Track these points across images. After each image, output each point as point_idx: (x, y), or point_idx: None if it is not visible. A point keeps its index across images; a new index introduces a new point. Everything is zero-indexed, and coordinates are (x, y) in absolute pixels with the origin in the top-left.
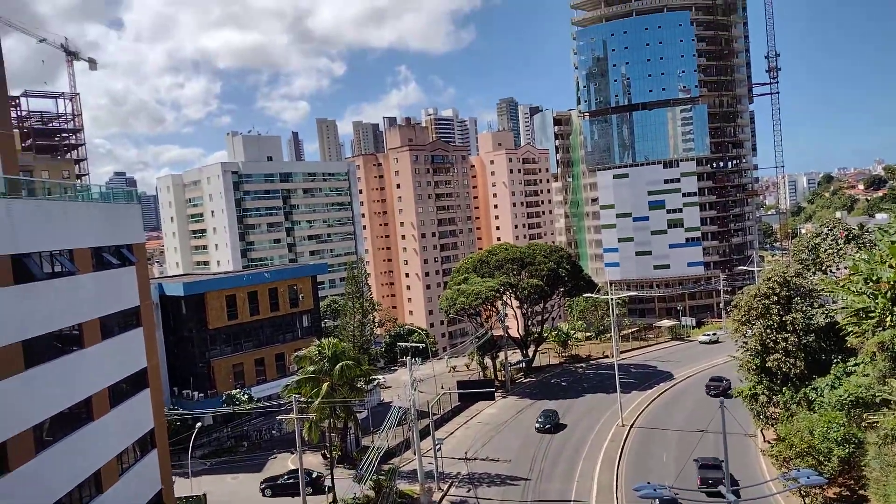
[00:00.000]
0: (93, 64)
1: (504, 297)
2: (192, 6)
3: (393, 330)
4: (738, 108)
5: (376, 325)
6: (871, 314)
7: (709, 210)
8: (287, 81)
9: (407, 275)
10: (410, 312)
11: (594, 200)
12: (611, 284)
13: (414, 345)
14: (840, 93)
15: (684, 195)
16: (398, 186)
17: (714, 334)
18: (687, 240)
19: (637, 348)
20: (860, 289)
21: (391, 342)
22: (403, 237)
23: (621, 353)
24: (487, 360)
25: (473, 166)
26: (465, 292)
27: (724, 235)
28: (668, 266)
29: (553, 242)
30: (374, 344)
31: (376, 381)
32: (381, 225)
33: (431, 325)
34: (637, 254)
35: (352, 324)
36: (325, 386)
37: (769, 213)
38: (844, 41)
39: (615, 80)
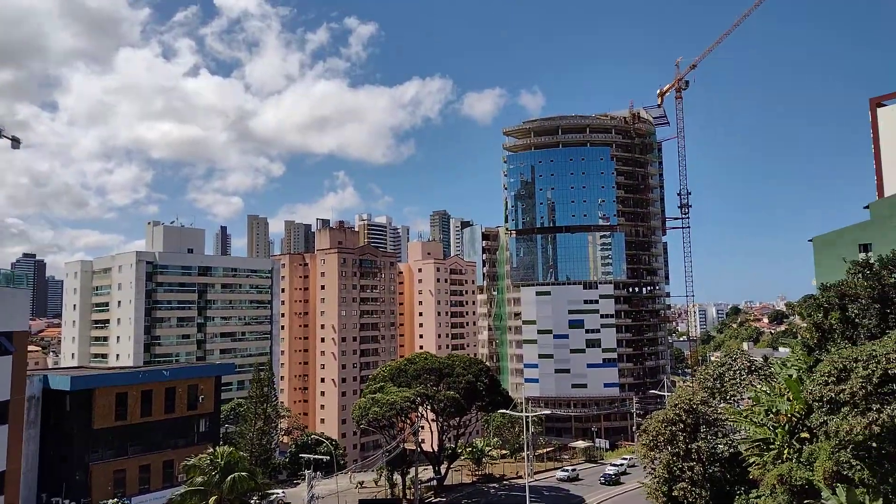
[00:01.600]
0: (16, 142)
1: (420, 409)
2: (135, 97)
3: (300, 439)
4: (652, 239)
5: (283, 433)
6: (771, 446)
7: (625, 332)
8: (222, 176)
9: (322, 380)
10: (322, 421)
11: (517, 315)
12: (528, 401)
13: (317, 457)
14: (747, 231)
15: (602, 316)
16: (322, 288)
17: (621, 465)
18: (604, 360)
19: (551, 469)
20: (761, 420)
21: (296, 452)
22: (323, 340)
23: (535, 473)
24: (397, 477)
25: (402, 273)
26: (380, 402)
27: (638, 358)
28: (585, 385)
29: (475, 354)
30: (278, 454)
31: (274, 495)
32: (300, 326)
33: (344, 436)
34: (556, 371)
35: (251, 431)
36: (212, 500)
37: (681, 339)
38: (748, 183)
39: (541, 203)
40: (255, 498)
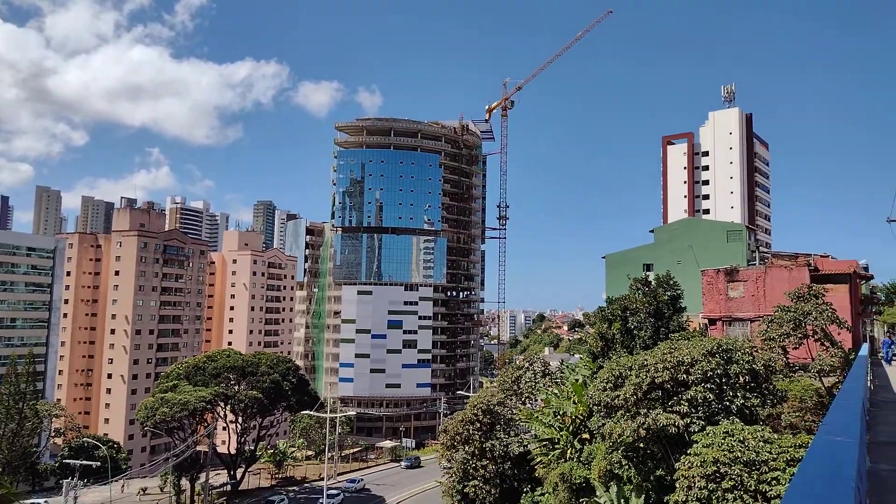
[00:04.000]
0: None
1: (217, 410)
2: None
3: (74, 441)
4: (472, 246)
5: (54, 434)
6: (556, 446)
7: (440, 334)
8: (7, 138)
9: (110, 375)
10: (107, 421)
11: (337, 314)
12: (341, 401)
13: (86, 462)
14: (556, 245)
15: (420, 318)
16: (117, 274)
17: (417, 458)
18: (419, 361)
19: (356, 469)
20: (549, 421)
21: (67, 456)
22: (113, 332)
23: (339, 474)
24: (185, 483)
25: (213, 263)
26: (170, 402)
27: (451, 360)
28: (399, 385)
29: (290, 353)
30: (48, 457)
31: None
32: (87, 315)
33: (131, 438)
34: (372, 371)
35: (0, 433)
36: None
37: (492, 342)
38: (560, 200)
39: (369, 203)
40: None
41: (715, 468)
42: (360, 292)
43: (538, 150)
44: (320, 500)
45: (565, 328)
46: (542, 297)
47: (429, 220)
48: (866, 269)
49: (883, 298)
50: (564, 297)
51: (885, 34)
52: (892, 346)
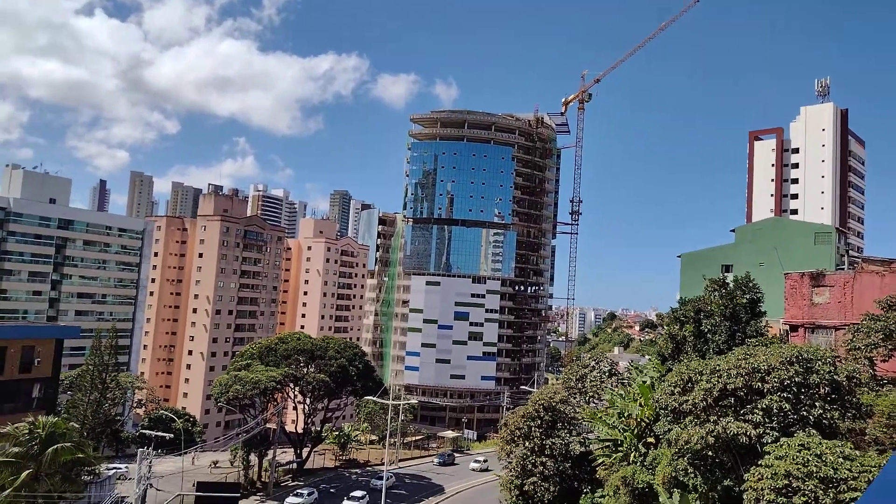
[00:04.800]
0: None
1: (287, 390)
2: (15, 28)
3: (154, 413)
4: (542, 241)
5: (136, 405)
6: (619, 448)
7: (506, 328)
8: (108, 126)
9: (190, 352)
10: (185, 395)
11: (405, 303)
12: (405, 389)
13: (160, 434)
14: (629, 242)
15: (487, 311)
16: (200, 256)
17: (485, 460)
18: (484, 353)
19: (418, 457)
20: (613, 422)
21: (148, 427)
22: (195, 311)
23: (401, 461)
24: (254, 458)
25: (290, 249)
26: (243, 380)
27: (516, 354)
28: (463, 377)
29: (359, 339)
30: (131, 426)
31: (114, 471)
32: (171, 294)
33: (207, 412)
34: (437, 361)
35: (85, 401)
36: (24, 474)
37: (560, 339)
38: (636, 196)
39: (440, 194)
40: (82, 472)
41: (787, 482)
42: (428, 283)
43: (615, 145)
44: (373, 481)
45: (637, 328)
46: (614, 295)
47: (499, 213)
48: None
49: None
50: (637, 297)
51: None
52: None
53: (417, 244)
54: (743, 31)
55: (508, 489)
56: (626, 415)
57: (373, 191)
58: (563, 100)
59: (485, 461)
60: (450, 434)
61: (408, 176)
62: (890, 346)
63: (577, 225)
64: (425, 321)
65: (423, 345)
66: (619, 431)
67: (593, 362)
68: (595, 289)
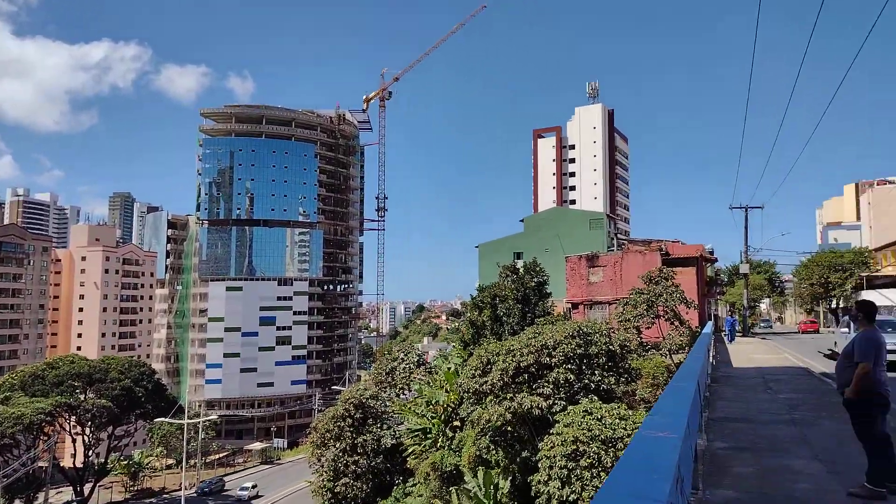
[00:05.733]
0: None
1: (60, 422)
2: None
3: None
4: (350, 238)
5: None
6: (428, 435)
7: (316, 329)
8: None
9: None
10: None
11: (203, 312)
12: (204, 405)
13: None
14: (434, 235)
15: (295, 313)
16: None
17: (254, 486)
18: (293, 357)
19: (223, 475)
20: (422, 411)
21: None
22: None
23: (201, 482)
24: None
25: (60, 261)
26: (0, 416)
27: (328, 355)
28: (272, 384)
29: (149, 356)
30: None
31: None
32: None
33: None
34: (242, 370)
35: None
36: None
37: (372, 335)
38: (440, 189)
39: (239, 194)
40: None
41: (574, 447)
42: (229, 288)
43: (419, 142)
44: None
45: (444, 318)
46: (423, 287)
47: (304, 211)
48: (711, 252)
49: (726, 280)
50: (444, 287)
51: (724, 39)
52: (734, 325)
53: (215, 248)
54: (529, 34)
55: (320, 494)
56: (433, 402)
57: (160, 192)
58: (365, 97)
59: (254, 487)
60: (258, 446)
61: (200, 175)
62: (652, 316)
63: (384, 221)
64: (227, 329)
65: (226, 355)
66: (428, 419)
67: (402, 354)
68: (404, 282)
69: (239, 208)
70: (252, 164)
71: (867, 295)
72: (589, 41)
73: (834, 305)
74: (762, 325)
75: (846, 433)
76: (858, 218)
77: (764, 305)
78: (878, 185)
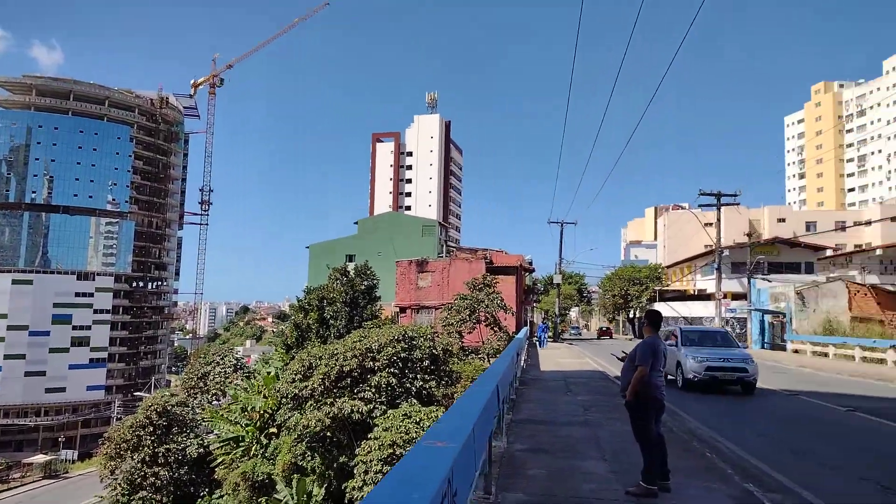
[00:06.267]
0: None
1: None
2: None
3: None
4: (166, 232)
5: None
6: (241, 443)
7: (121, 330)
8: None
9: None
10: None
11: None
12: None
13: None
14: (263, 233)
15: (96, 311)
16: None
17: None
18: (91, 360)
19: None
20: (235, 418)
21: None
22: None
23: None
24: None
25: None
26: None
27: (133, 358)
28: (64, 389)
29: None
30: None
31: None
32: None
33: None
34: (27, 374)
35: None
36: None
37: (187, 337)
38: (268, 186)
39: (35, 175)
40: None
41: (391, 451)
42: (16, 282)
43: (252, 135)
44: None
45: (270, 320)
46: (249, 288)
47: (113, 200)
48: (531, 263)
49: (542, 289)
50: (273, 289)
51: (552, 61)
52: (546, 331)
53: (2, 235)
54: (373, 37)
55: None
56: (249, 408)
57: None
58: (193, 82)
59: None
60: (40, 459)
61: None
62: (474, 321)
63: (208, 215)
64: (11, 328)
65: (8, 356)
66: (242, 426)
67: (218, 358)
68: (228, 282)
69: (35, 192)
70: (54, 143)
71: (658, 306)
72: (430, 52)
73: (632, 315)
74: (572, 331)
75: (630, 434)
76: (656, 238)
77: (573, 313)
78: (672, 209)
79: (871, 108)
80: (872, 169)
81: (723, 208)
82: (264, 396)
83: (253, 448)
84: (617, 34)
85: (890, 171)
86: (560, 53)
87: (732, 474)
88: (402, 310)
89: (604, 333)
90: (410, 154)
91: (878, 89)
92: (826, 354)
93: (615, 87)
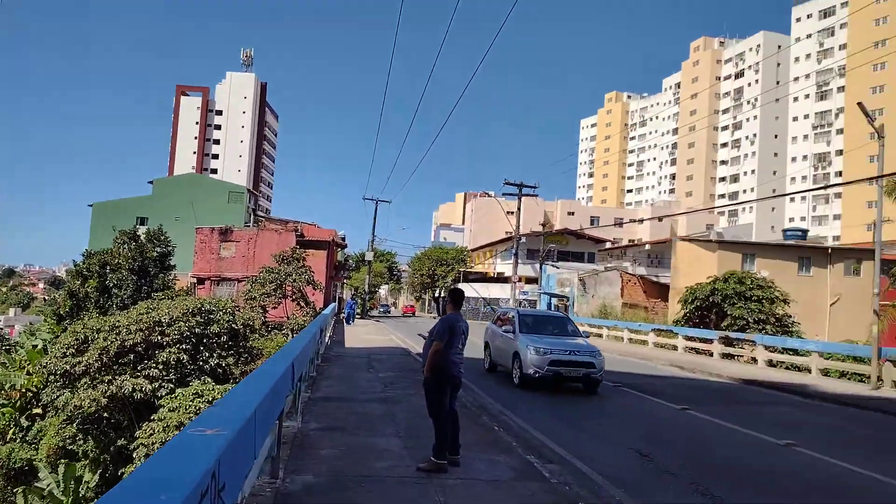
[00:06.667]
0: None
1: None
2: None
3: None
4: None
5: None
6: None
7: None
8: None
9: None
10: None
11: None
12: None
13: None
14: (35, 193)
15: None
16: None
17: None
18: None
19: None
20: None
21: None
22: None
23: None
24: None
25: None
26: None
27: None
28: None
29: None
30: None
31: None
32: None
33: None
34: None
35: None
36: None
37: None
38: (41, 145)
39: None
40: None
41: (178, 432)
42: None
43: (26, 73)
44: None
45: (41, 286)
46: (18, 249)
47: None
48: (343, 238)
49: (353, 265)
50: (47, 251)
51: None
52: (353, 307)
53: None
54: None
55: None
56: (7, 387)
57: None
58: None
59: None
60: None
61: None
62: (280, 295)
63: None
64: None
65: None
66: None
67: None
68: None
69: None
70: None
71: (461, 287)
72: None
73: (437, 294)
74: (381, 309)
75: (426, 410)
76: (464, 222)
77: (383, 291)
78: (480, 196)
79: (651, 119)
80: (648, 174)
81: (523, 198)
82: (28, 373)
83: (11, 432)
84: (441, 14)
85: (661, 177)
86: (384, 32)
87: (516, 447)
88: (201, 281)
89: (408, 310)
90: (220, 113)
91: (658, 104)
92: (601, 335)
93: (433, 70)
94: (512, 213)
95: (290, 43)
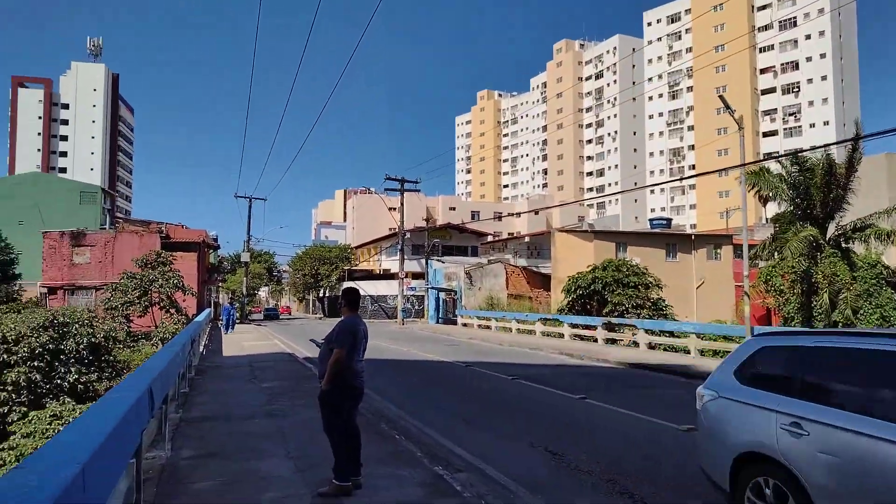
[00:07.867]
0: None
1: None
2: None
3: None
4: None
5: None
6: None
7: None
8: None
9: None
10: None
11: None
12: None
13: None
14: None
15: None
16: None
17: None
18: None
19: None
20: None
21: None
22: None
23: None
24: None
25: None
26: None
27: None
28: None
29: None
30: None
31: None
32: None
33: None
34: None
35: None
36: None
37: None
38: None
39: None
40: None
41: None
42: None
43: None
44: None
45: None
46: None
47: None
48: (216, 239)
49: (228, 267)
50: None
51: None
52: (232, 312)
53: None
54: None
55: None
56: None
57: None
58: None
59: None
60: None
61: None
62: (145, 303)
63: None
64: None
65: None
66: None
67: None
68: None
69: None
70: None
71: (347, 285)
72: None
73: (321, 294)
74: (267, 311)
75: (320, 423)
76: (346, 219)
77: (263, 293)
78: (360, 192)
79: (522, 117)
80: (522, 169)
81: (406, 194)
82: None
83: None
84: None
85: (534, 172)
86: (252, 25)
87: (421, 457)
88: (53, 290)
89: (284, 310)
90: (67, 107)
91: (527, 102)
92: (489, 327)
93: (300, 69)
94: (394, 209)
95: (146, 34)
